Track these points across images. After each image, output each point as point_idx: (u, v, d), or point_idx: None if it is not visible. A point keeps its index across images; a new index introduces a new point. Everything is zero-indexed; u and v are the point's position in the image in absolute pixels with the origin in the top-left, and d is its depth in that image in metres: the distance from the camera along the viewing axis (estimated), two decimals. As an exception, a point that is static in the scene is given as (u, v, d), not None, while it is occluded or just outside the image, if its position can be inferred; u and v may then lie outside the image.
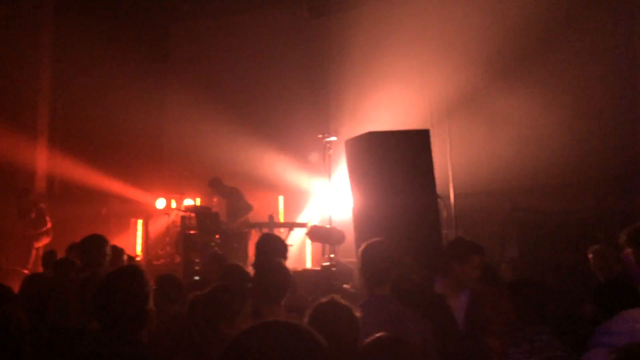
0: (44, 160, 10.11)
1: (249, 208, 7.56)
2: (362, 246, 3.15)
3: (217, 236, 6.95)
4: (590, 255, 4.63)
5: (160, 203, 9.59)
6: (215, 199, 8.34)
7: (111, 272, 2.20)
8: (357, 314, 2.37)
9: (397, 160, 4.58)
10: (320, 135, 6.81)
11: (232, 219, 7.38)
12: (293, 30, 9.92)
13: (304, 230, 7.03)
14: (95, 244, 3.87)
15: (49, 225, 7.95)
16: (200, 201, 9.52)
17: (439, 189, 5.45)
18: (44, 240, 7.83)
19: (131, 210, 9.69)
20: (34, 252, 7.70)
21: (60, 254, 5.32)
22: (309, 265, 7.73)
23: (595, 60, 7.32)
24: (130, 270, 2.19)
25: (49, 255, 5.46)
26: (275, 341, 1.04)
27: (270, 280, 2.95)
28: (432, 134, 5.03)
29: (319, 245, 6.75)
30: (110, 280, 2.14)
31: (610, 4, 7.27)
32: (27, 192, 8.27)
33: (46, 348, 2.55)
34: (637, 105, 6.60)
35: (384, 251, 3.10)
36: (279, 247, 3.58)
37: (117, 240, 7.68)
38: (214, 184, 7.77)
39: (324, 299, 2.44)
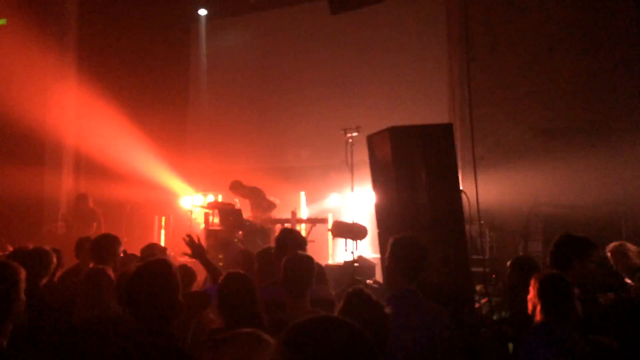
0: (70, 151, 10.33)
1: (272, 206, 7.62)
2: (393, 240, 3.15)
3: (240, 232, 6.99)
4: (609, 254, 4.56)
5: (184, 200, 9.71)
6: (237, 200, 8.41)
7: (141, 265, 2.24)
8: (387, 310, 2.37)
9: (419, 155, 4.55)
10: (342, 131, 6.81)
11: (256, 217, 7.45)
12: (313, 26, 9.93)
13: (327, 225, 7.04)
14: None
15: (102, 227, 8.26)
16: (223, 197, 9.59)
17: (462, 183, 5.44)
18: None
19: (154, 208, 9.81)
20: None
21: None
22: (331, 260, 7.75)
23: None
24: (160, 263, 2.23)
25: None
26: (336, 335, 1.04)
27: (295, 274, 2.99)
28: (454, 127, 4.99)
29: (342, 240, 6.74)
30: (140, 273, 2.18)
31: None
32: (85, 197, 8.56)
33: (81, 336, 2.60)
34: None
35: (415, 246, 3.10)
36: (299, 241, 3.60)
37: (142, 238, 7.82)
38: (235, 187, 7.83)
39: (353, 290, 2.45)
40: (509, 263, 4.00)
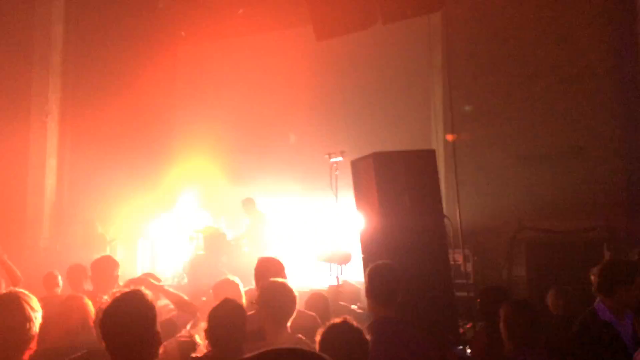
0: (53, 181, 10.24)
1: (271, 240, 7.69)
2: (369, 268, 3.18)
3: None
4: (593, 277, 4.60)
5: (168, 223, 9.63)
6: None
7: (116, 296, 2.21)
8: (367, 337, 2.37)
9: (403, 180, 4.60)
10: (326, 156, 6.86)
11: (253, 244, 7.43)
12: (300, 51, 10.03)
13: (311, 250, 7.05)
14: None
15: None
16: (208, 220, 9.54)
17: (445, 208, 5.50)
18: None
19: (139, 231, 9.72)
20: None
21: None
22: (316, 285, 7.72)
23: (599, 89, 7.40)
24: (135, 294, 2.21)
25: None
26: None
27: (276, 302, 2.97)
28: (437, 153, 5.07)
29: (326, 265, 6.74)
30: (115, 305, 2.15)
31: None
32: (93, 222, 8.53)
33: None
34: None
35: (389, 273, 3.12)
36: (278, 270, 3.60)
37: (125, 261, 7.74)
38: (247, 205, 7.87)
39: (335, 321, 2.45)
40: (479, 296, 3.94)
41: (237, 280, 3.74)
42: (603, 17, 7.46)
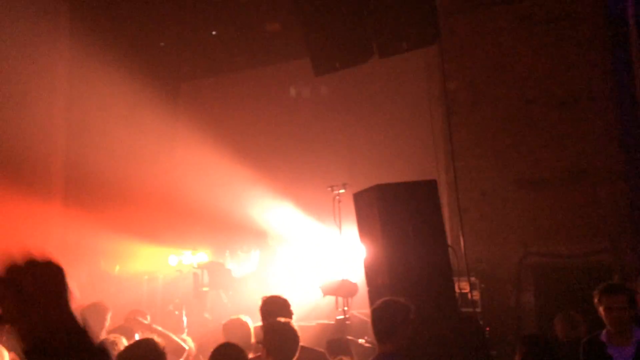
0: (58, 219, 10.28)
1: (279, 275, 7.70)
2: (374, 305, 3.19)
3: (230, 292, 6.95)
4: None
5: (172, 260, 9.64)
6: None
7: (130, 344, 2.23)
8: None
9: (406, 211, 4.62)
10: (329, 188, 6.89)
11: (261, 279, 7.43)
12: (300, 84, 10.18)
13: (316, 283, 7.02)
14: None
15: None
16: (210, 255, 9.55)
17: (449, 236, 5.49)
18: None
19: (143, 268, 9.72)
20: None
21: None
22: (323, 319, 7.67)
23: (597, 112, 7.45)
24: (148, 342, 2.22)
25: None
26: None
27: (278, 343, 2.97)
28: (439, 181, 5.09)
29: (333, 298, 6.70)
30: (128, 352, 2.17)
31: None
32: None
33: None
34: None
35: (388, 309, 3.13)
36: (283, 307, 3.60)
37: (130, 298, 7.73)
38: (260, 238, 7.93)
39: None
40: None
41: (247, 319, 3.73)
42: (598, 40, 7.55)
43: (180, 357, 3.81)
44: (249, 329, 3.66)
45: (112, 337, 3.24)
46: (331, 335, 5.95)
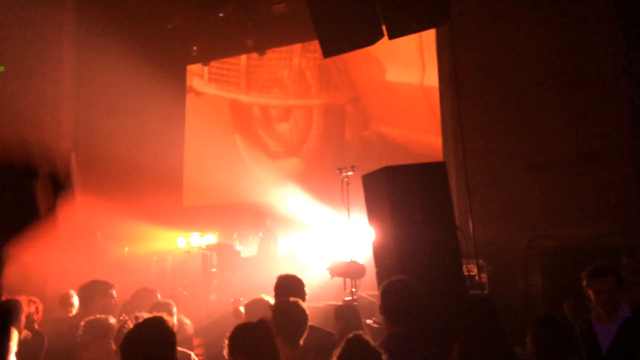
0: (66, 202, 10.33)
1: (281, 257, 7.72)
2: (382, 285, 3.18)
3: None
4: None
5: (181, 241, 9.70)
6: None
7: (139, 322, 2.25)
8: (384, 357, 2.38)
9: (414, 194, 4.60)
10: (337, 170, 6.88)
11: (264, 261, 7.46)
12: (309, 63, 10.13)
13: (324, 265, 7.04)
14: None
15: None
16: (219, 236, 9.59)
17: (458, 219, 5.47)
18: None
19: (152, 249, 9.79)
20: None
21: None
22: (330, 300, 7.71)
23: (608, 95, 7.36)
24: (157, 320, 2.23)
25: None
26: None
27: (286, 321, 2.99)
28: (448, 164, 5.07)
29: (340, 279, 6.73)
30: (137, 330, 2.18)
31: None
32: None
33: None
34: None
35: (403, 290, 3.12)
36: (297, 287, 3.61)
37: (140, 280, 7.79)
38: (258, 220, 7.94)
39: (352, 336, 2.45)
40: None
41: (269, 299, 3.74)
42: (611, 22, 7.44)
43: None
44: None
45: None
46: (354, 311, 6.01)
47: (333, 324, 4.04)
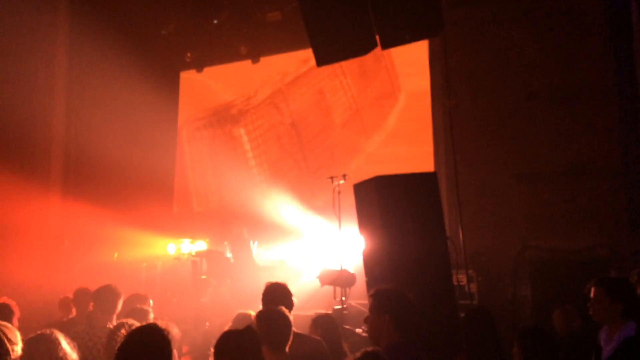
0: (56, 206, 10.29)
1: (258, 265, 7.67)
2: (390, 293, 3.17)
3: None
4: None
5: (171, 248, 9.64)
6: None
7: (133, 330, 2.23)
8: None
9: (405, 203, 4.62)
10: (329, 179, 6.89)
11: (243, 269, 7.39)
12: (300, 69, 10.17)
13: (314, 273, 7.03)
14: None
15: None
16: (209, 243, 9.54)
17: (448, 229, 5.51)
18: None
19: (142, 255, 9.73)
20: None
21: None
22: (320, 309, 7.69)
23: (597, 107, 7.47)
24: (152, 328, 2.21)
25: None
26: None
27: (270, 328, 2.98)
28: (439, 174, 5.10)
29: (330, 288, 6.73)
30: (131, 338, 2.16)
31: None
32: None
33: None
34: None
35: (406, 300, 3.12)
36: (285, 295, 3.61)
37: (129, 287, 7.74)
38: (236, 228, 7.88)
39: (368, 350, 2.42)
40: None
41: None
42: (600, 36, 7.54)
43: None
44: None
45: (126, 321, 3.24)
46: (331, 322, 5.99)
47: (311, 332, 4.03)
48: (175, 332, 3.85)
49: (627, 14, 6.92)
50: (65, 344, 2.71)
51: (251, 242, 7.87)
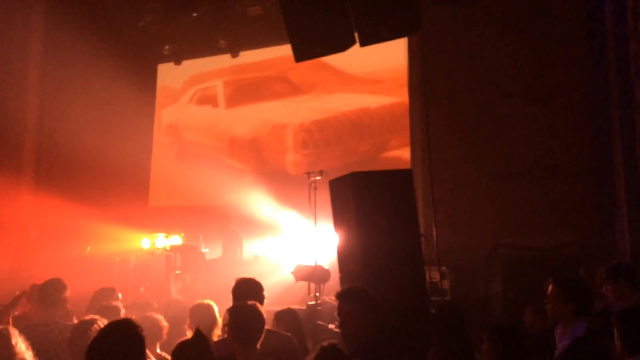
0: (28, 198, 10.11)
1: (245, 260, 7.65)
2: (345, 290, 3.19)
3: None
4: None
5: (145, 242, 9.54)
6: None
7: (105, 326, 2.20)
8: None
9: (380, 200, 4.65)
10: (305, 174, 6.89)
11: (228, 263, 7.36)
12: (279, 65, 10.14)
13: (289, 269, 7.04)
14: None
15: None
16: (184, 237, 9.48)
17: (422, 226, 5.56)
18: None
19: (115, 249, 9.62)
20: None
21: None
22: (294, 305, 7.70)
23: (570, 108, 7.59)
24: (125, 324, 2.19)
25: None
26: None
27: (243, 325, 2.97)
28: (415, 172, 5.14)
29: (304, 283, 6.74)
30: (104, 335, 2.13)
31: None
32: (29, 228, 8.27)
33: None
34: (612, 142, 6.79)
35: (373, 299, 3.14)
36: (256, 291, 3.60)
37: (102, 281, 7.65)
38: (222, 223, 7.85)
39: (324, 345, 2.43)
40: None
41: (212, 303, 3.73)
42: (575, 38, 7.67)
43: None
44: (214, 312, 3.68)
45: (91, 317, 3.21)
46: (302, 320, 6.00)
47: (273, 328, 4.04)
48: (163, 324, 3.82)
49: (601, 17, 7.05)
50: (19, 340, 2.68)
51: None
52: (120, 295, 4.86)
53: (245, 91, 10.62)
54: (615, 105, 6.58)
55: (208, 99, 10.96)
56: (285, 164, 9.73)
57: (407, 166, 8.13)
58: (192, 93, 11.16)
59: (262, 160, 10.13)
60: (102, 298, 4.56)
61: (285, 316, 4.32)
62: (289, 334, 3.69)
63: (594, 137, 7.40)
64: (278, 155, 9.99)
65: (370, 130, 9.17)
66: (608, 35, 6.83)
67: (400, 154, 8.78)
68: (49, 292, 4.00)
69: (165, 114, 11.43)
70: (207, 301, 3.84)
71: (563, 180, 7.52)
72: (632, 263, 5.68)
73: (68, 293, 4.14)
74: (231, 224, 7.85)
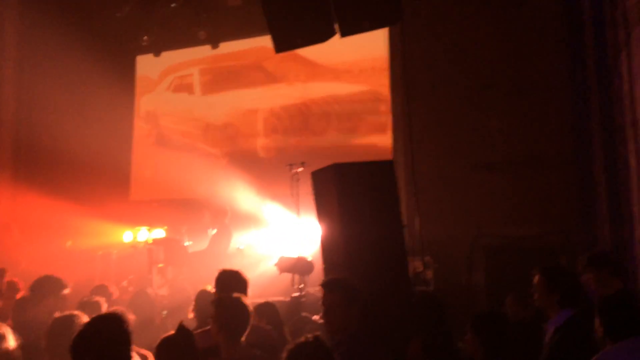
0: (7, 194, 9.95)
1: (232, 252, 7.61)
2: (330, 281, 3.18)
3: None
4: None
5: (127, 236, 9.44)
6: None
7: (91, 320, 2.17)
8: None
9: (362, 191, 4.64)
10: (288, 166, 6.87)
11: (215, 256, 7.30)
12: (259, 59, 10.08)
13: (273, 261, 7.02)
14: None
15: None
16: (167, 230, 9.39)
17: (405, 217, 5.57)
18: None
19: (97, 243, 9.51)
20: None
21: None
22: (278, 297, 7.68)
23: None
24: (113, 317, 2.16)
25: None
26: None
27: (229, 317, 2.95)
28: (397, 162, 5.14)
29: (288, 275, 6.72)
30: (91, 327, 2.10)
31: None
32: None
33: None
34: (592, 132, 6.86)
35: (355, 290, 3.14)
36: (239, 283, 3.57)
37: (82, 275, 7.57)
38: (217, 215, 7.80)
39: (304, 338, 2.40)
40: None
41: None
42: (555, 29, 7.72)
43: None
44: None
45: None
46: (286, 312, 5.99)
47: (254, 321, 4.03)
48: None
49: (579, 7, 7.09)
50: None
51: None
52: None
53: (221, 79, 10.58)
54: (595, 96, 6.64)
55: (184, 87, 10.88)
56: (257, 148, 9.78)
57: (380, 153, 8.17)
58: (170, 81, 11.05)
59: (234, 145, 10.13)
60: (91, 295, 4.50)
61: (266, 309, 4.30)
62: (269, 327, 3.67)
63: (575, 127, 7.47)
64: (249, 139, 10.02)
65: (339, 116, 9.22)
66: (586, 24, 6.88)
67: (373, 141, 8.84)
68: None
69: (144, 102, 11.30)
70: (209, 287, 3.81)
71: (544, 170, 7.59)
72: (612, 251, 5.77)
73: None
74: (226, 218, 7.80)
